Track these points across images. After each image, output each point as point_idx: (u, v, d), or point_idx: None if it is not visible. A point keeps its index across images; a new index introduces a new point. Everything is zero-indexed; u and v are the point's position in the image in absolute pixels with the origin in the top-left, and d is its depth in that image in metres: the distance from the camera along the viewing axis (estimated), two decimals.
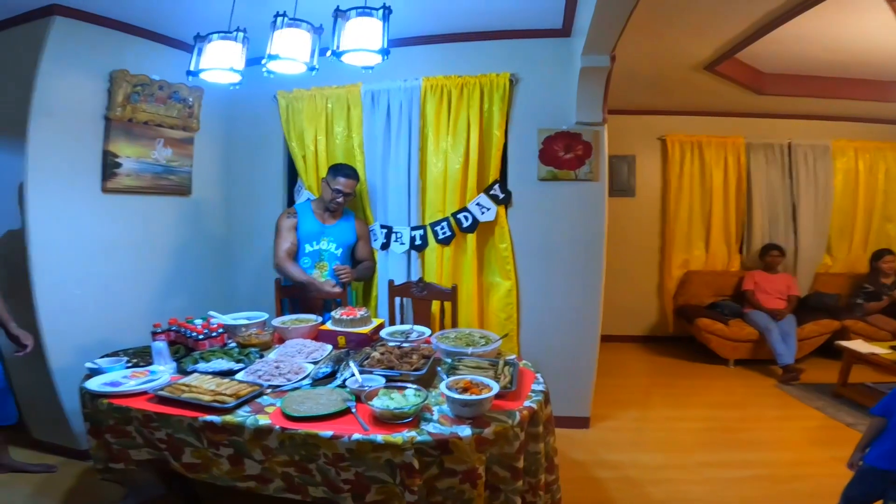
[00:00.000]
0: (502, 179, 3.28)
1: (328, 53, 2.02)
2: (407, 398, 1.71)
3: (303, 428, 1.60)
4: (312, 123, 3.40)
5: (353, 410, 1.71)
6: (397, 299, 3.15)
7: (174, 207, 3.37)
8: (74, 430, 2.78)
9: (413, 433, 1.56)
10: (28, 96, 2.57)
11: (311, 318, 2.62)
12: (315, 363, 2.12)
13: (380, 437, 1.55)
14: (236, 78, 2.27)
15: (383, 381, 1.87)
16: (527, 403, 1.79)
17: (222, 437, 1.67)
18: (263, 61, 2.06)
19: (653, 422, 3.54)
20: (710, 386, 4.27)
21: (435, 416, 1.69)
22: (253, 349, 2.29)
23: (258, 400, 1.81)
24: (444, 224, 3.25)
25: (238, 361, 2.13)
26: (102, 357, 2.14)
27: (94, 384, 1.85)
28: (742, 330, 4.63)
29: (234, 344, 2.40)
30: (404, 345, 2.26)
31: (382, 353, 2.11)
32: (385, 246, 3.35)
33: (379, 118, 3.28)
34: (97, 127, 2.87)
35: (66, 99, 2.72)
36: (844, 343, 4.00)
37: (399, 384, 1.83)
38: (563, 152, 3.17)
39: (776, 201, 5.29)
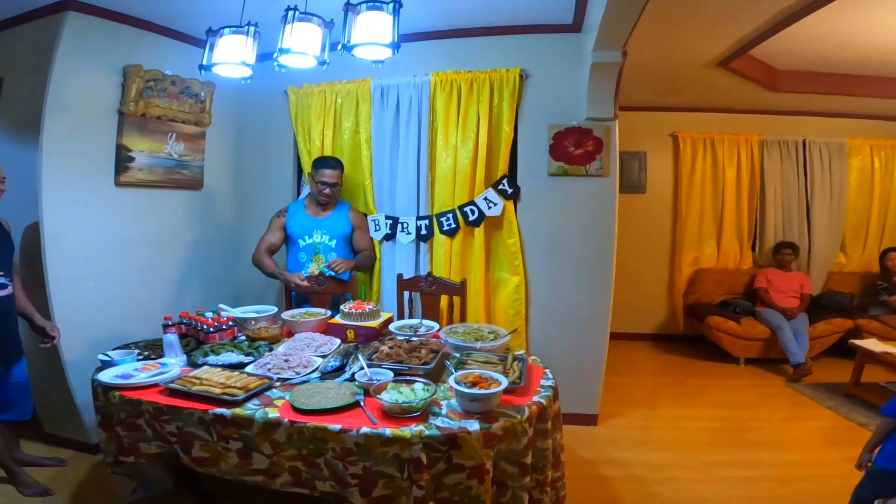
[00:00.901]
0: (511, 174, 3.27)
1: (339, 48, 2.02)
2: (415, 392, 1.71)
3: (311, 421, 1.61)
4: (321, 118, 3.42)
5: (362, 404, 1.71)
6: (406, 293, 3.15)
7: (186, 201, 3.40)
8: (86, 423, 2.80)
9: (421, 427, 1.57)
10: (43, 91, 2.59)
11: (321, 313, 2.64)
12: (324, 357, 2.13)
13: (388, 430, 1.55)
14: (247, 72, 2.27)
15: (392, 374, 1.87)
16: (536, 399, 1.79)
17: (232, 430, 1.68)
18: (275, 55, 2.07)
19: (661, 420, 3.52)
20: (720, 385, 4.24)
21: (443, 411, 1.70)
22: (262, 343, 2.31)
23: (267, 393, 1.82)
24: (450, 216, 3.25)
25: (248, 354, 2.14)
26: (114, 349, 2.17)
27: (105, 376, 1.88)
28: (754, 328, 4.59)
29: (243, 337, 2.42)
30: (413, 339, 2.27)
31: (391, 347, 2.12)
32: (390, 237, 3.36)
33: (388, 113, 3.29)
34: (111, 121, 2.90)
35: (80, 94, 2.74)
36: (858, 342, 3.95)
37: (408, 378, 1.83)
38: (574, 148, 3.16)
39: (790, 199, 5.23)
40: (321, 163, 3.06)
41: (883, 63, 3.98)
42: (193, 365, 2.06)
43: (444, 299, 3.11)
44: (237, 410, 1.68)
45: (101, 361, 2.03)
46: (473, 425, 1.59)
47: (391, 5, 1.98)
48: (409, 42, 3.12)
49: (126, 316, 2.97)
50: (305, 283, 2.96)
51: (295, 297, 3.16)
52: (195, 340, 2.33)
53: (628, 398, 3.81)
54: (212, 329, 2.34)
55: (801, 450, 3.08)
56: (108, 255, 2.93)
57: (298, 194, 3.64)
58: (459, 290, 2.99)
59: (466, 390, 1.65)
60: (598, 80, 2.98)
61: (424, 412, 1.67)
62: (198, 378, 1.83)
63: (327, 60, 2.14)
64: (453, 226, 3.25)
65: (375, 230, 3.37)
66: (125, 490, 2.38)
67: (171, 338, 2.10)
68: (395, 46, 1.99)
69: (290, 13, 2.07)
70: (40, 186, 2.60)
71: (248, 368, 2.01)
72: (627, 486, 2.67)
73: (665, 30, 3.31)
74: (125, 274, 3.02)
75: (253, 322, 2.50)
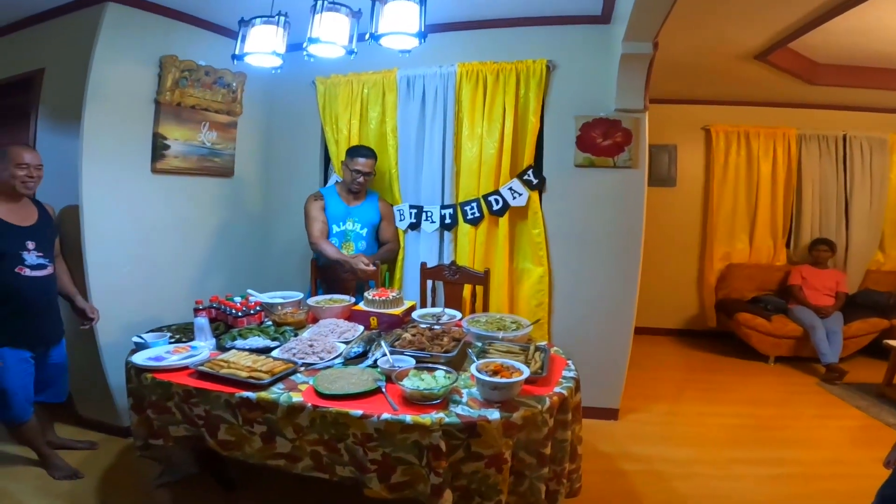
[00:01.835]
0: (536, 165, 3.25)
1: (367, 37, 2.03)
2: (437, 379, 1.73)
3: (334, 406, 1.65)
4: (347, 108, 3.45)
5: (384, 390, 1.75)
6: (429, 282, 3.17)
7: (217, 188, 3.47)
8: (118, 406, 2.87)
9: (441, 415, 1.59)
10: (83, 80, 2.67)
11: (345, 299, 2.68)
12: (347, 343, 2.17)
13: (408, 417, 1.58)
14: (278, 62, 2.32)
15: (413, 361, 1.90)
16: (557, 389, 1.80)
17: (257, 413, 1.73)
18: (304, 44, 2.10)
19: (684, 416, 3.47)
20: (747, 382, 4.17)
21: (464, 399, 1.71)
22: (288, 328, 2.36)
23: (292, 378, 1.87)
24: (474, 204, 3.25)
25: (274, 339, 2.20)
26: (147, 332, 2.25)
27: (138, 358, 1.95)
28: (785, 326, 4.49)
29: (269, 322, 2.48)
30: (435, 327, 2.29)
31: (413, 335, 2.15)
32: (415, 226, 3.38)
33: (414, 103, 3.31)
34: (148, 110, 2.97)
35: (119, 83, 2.81)
36: (892, 342, 3.83)
37: (429, 365, 1.85)
38: (602, 139, 3.12)
39: (828, 195, 5.07)
40: (355, 151, 3.09)
41: None
42: (222, 349, 2.12)
43: (467, 288, 3.12)
44: (262, 394, 1.73)
45: (135, 343, 2.11)
46: (493, 414, 1.60)
47: None
48: (436, 33, 3.11)
49: (159, 300, 3.06)
50: (371, 267, 2.90)
51: (320, 283, 3.21)
52: (224, 324, 2.40)
53: (651, 392, 3.78)
54: (240, 314, 2.40)
55: (828, 449, 3.02)
56: (143, 239, 3.01)
57: (325, 183, 3.68)
58: (483, 279, 3.00)
59: (487, 378, 1.67)
60: (628, 72, 2.93)
61: (445, 400, 1.69)
62: (225, 361, 1.89)
63: (355, 50, 2.17)
64: (477, 215, 3.25)
65: (400, 220, 3.40)
66: (153, 474, 2.47)
67: (202, 321, 2.17)
68: (422, 36, 2.00)
69: (319, 3, 2.10)
70: (80, 173, 2.68)
71: (274, 353, 2.06)
72: (646, 480, 2.65)
73: (698, 20, 3.22)
74: (158, 258, 3.10)
75: (279, 307, 2.55)
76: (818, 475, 2.70)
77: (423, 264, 3.18)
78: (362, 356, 2.04)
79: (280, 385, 1.80)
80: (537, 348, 2.07)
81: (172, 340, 2.17)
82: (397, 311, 2.48)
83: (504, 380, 1.67)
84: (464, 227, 3.30)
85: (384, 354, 1.94)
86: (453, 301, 3.05)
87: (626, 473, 2.73)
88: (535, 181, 3.22)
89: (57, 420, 2.86)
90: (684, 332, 5.47)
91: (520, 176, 3.22)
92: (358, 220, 3.13)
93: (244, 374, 1.79)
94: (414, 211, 3.37)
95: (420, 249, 3.39)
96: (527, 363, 1.89)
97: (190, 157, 3.19)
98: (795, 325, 4.46)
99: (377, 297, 2.50)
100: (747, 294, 5.02)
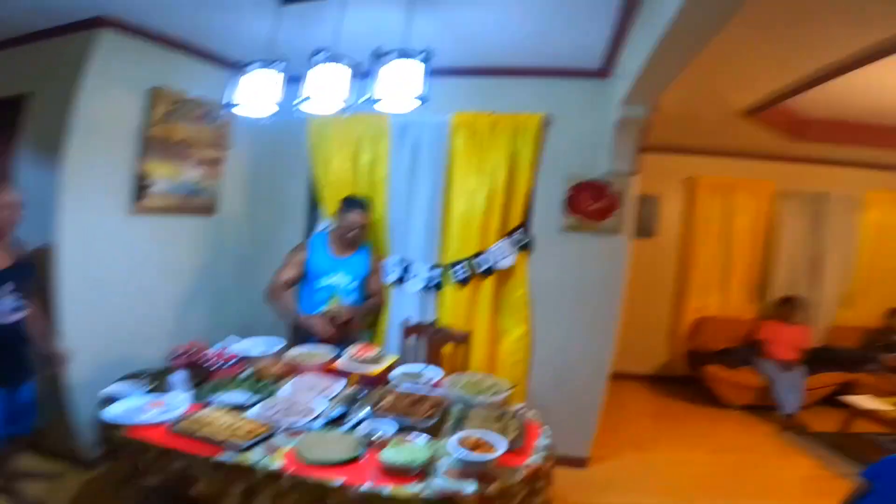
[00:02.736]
0: (525, 224, 3.27)
1: (360, 101, 2.05)
2: (416, 450, 1.75)
3: (314, 474, 1.66)
4: (339, 151, 3.38)
5: (364, 458, 1.76)
6: (411, 338, 3.16)
7: (199, 226, 3.39)
8: (83, 438, 2.74)
9: (420, 487, 1.63)
10: (69, 109, 2.60)
11: (323, 353, 2.60)
12: (329, 399, 2.16)
13: (388, 489, 1.61)
14: (273, 110, 2.31)
15: (395, 427, 1.93)
16: (532, 459, 1.86)
17: (236, 474, 1.72)
18: (295, 102, 2.10)
19: (653, 464, 3.55)
20: (715, 429, 4.29)
21: (443, 468, 1.75)
22: (267, 381, 2.32)
23: (272, 439, 1.85)
24: (462, 266, 3.23)
25: (256, 392, 2.17)
26: (125, 378, 2.20)
27: (112, 412, 1.90)
28: (750, 378, 4.63)
29: (251, 370, 2.42)
30: (416, 387, 2.30)
31: (395, 399, 2.15)
32: (401, 281, 3.33)
33: (406, 151, 3.27)
34: (133, 144, 2.88)
35: (106, 114, 2.74)
36: (847, 398, 4.02)
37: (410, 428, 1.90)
38: (591, 202, 3.15)
39: (802, 251, 5.21)
40: (351, 203, 2.94)
41: None
42: (201, 400, 2.09)
43: (448, 344, 3.13)
44: (241, 458, 1.72)
45: (108, 396, 2.05)
46: (469, 487, 1.65)
47: (421, 56, 2.02)
48: (431, 78, 3.13)
49: (135, 340, 2.96)
50: (330, 330, 2.77)
51: (296, 331, 3.03)
52: (203, 371, 2.34)
53: (621, 440, 3.83)
54: (215, 367, 2.36)
55: (785, 499, 3.17)
56: (121, 279, 2.92)
57: (311, 223, 3.61)
58: (464, 339, 3.04)
59: (465, 457, 1.70)
60: (623, 136, 2.94)
61: (424, 469, 1.71)
62: (203, 421, 1.87)
63: (349, 107, 2.17)
64: (465, 276, 3.22)
65: (387, 274, 3.33)
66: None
67: (179, 376, 2.14)
68: (423, 99, 2.02)
69: (318, 55, 2.09)
70: (60, 208, 2.60)
71: (255, 409, 2.03)
72: None
73: (695, 77, 3.15)
74: (137, 298, 3.01)
75: (257, 360, 2.49)
76: None
77: (406, 321, 3.18)
78: (343, 417, 2.03)
79: (261, 448, 1.79)
80: (514, 415, 2.11)
81: (150, 389, 2.13)
82: (377, 370, 2.44)
83: (480, 457, 1.71)
84: (448, 285, 3.28)
85: (365, 419, 1.94)
86: (435, 356, 3.04)
87: None
88: (524, 241, 3.23)
89: (21, 450, 2.75)
90: (655, 378, 5.53)
91: (509, 235, 3.23)
92: (348, 272, 2.97)
93: (222, 436, 1.78)
94: (402, 266, 3.31)
95: (404, 304, 3.33)
96: (503, 431, 1.92)
97: (173, 194, 3.10)
98: (761, 376, 4.59)
99: (357, 356, 2.48)
100: (717, 345, 5.09)
